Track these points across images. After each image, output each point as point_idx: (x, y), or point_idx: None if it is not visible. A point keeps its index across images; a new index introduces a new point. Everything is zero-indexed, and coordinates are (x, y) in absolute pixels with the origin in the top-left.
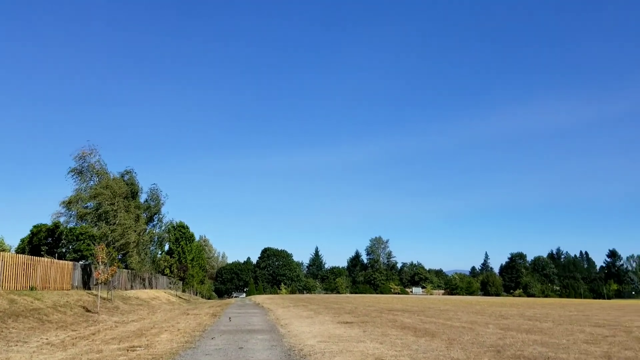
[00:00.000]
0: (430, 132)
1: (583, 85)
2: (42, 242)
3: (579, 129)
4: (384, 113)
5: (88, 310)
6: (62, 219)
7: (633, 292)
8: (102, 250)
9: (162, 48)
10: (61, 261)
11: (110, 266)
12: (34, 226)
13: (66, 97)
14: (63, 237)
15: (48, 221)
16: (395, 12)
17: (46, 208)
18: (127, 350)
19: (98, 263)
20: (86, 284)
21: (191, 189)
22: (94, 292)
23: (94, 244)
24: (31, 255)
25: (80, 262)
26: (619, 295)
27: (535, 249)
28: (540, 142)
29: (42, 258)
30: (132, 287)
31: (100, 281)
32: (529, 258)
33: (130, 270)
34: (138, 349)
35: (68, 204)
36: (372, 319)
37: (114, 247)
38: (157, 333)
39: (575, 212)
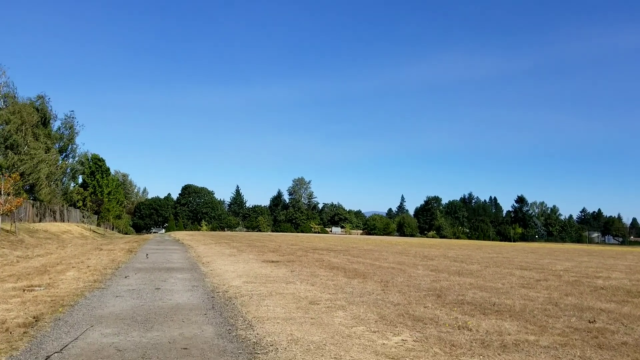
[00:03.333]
0: (352, 77)
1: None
2: None
3: (492, 80)
4: (311, 55)
5: None
6: None
7: (536, 236)
8: (8, 180)
9: None
10: None
11: (15, 196)
12: None
13: None
14: None
15: None
16: None
17: None
18: (24, 291)
19: (0, 193)
20: None
21: (113, 123)
22: None
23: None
24: None
25: None
26: (523, 238)
27: (449, 194)
28: (457, 91)
29: None
30: (41, 220)
31: (1, 212)
32: (444, 202)
33: (40, 202)
34: (37, 289)
35: None
36: (297, 257)
37: (22, 178)
38: (62, 270)
39: (487, 159)
